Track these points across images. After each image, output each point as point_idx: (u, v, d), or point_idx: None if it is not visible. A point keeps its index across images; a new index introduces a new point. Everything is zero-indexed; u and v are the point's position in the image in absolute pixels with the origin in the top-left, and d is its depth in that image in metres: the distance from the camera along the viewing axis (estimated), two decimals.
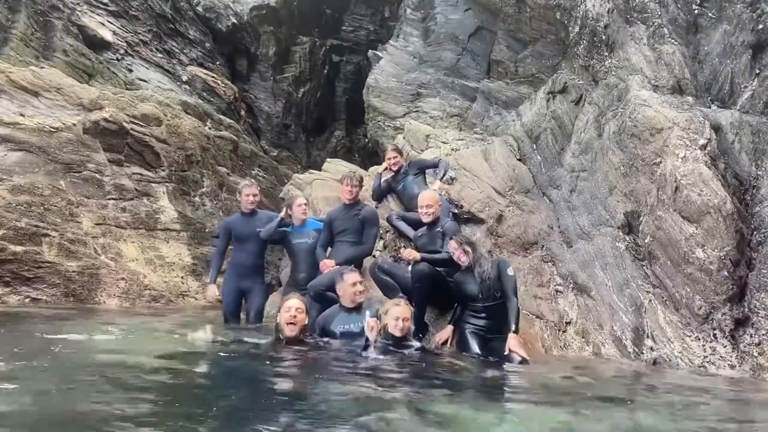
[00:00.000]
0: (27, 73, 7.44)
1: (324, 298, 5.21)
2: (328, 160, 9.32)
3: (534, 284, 6.44)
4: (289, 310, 4.19)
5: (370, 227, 5.81)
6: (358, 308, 4.64)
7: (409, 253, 5.19)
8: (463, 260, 4.84)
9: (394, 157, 6.99)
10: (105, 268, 6.61)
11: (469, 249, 4.84)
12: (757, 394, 4.24)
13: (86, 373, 2.93)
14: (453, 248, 4.87)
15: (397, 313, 4.21)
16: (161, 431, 2.03)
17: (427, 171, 7.22)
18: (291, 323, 4.10)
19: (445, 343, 4.93)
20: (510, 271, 4.78)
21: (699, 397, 3.74)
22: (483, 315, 4.78)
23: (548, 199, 7.30)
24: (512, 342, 4.45)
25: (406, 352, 4.15)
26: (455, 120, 9.93)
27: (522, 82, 9.61)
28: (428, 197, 5.57)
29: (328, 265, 5.38)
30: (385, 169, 7.11)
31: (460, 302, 4.99)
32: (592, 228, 6.51)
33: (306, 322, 4.27)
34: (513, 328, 4.52)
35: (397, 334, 4.19)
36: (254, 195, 5.98)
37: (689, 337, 5.20)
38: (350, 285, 4.60)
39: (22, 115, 6.99)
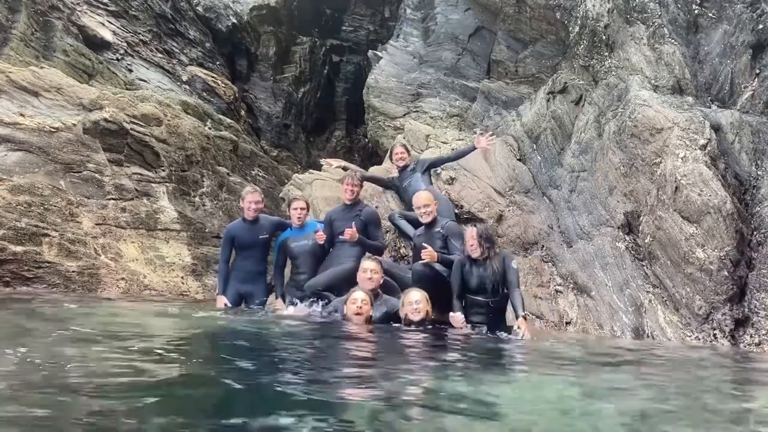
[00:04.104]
0: (27, 73, 7.43)
1: (322, 298, 5.22)
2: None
3: (534, 284, 6.45)
4: (355, 301, 4.43)
5: (376, 228, 5.81)
6: (373, 297, 4.75)
7: (428, 253, 5.05)
8: (474, 252, 4.80)
9: (401, 152, 6.77)
10: (105, 268, 6.60)
11: (485, 244, 4.80)
12: (755, 363, 4.31)
13: None
14: (470, 236, 4.81)
15: (413, 298, 4.47)
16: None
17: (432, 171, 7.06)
18: (358, 314, 4.38)
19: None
20: (514, 265, 4.90)
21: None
22: (484, 311, 4.80)
23: (548, 199, 7.29)
24: (522, 325, 4.59)
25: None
26: (455, 120, 9.93)
27: (522, 82, 9.61)
28: (424, 197, 5.53)
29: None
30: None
31: (463, 295, 4.96)
32: (592, 228, 6.51)
33: (371, 313, 4.51)
34: (522, 313, 4.65)
35: (416, 317, 4.39)
36: (257, 202, 5.83)
37: (689, 337, 5.19)
38: (362, 270, 4.81)
39: (22, 115, 6.97)
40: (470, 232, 4.88)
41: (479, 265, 4.83)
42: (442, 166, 7.29)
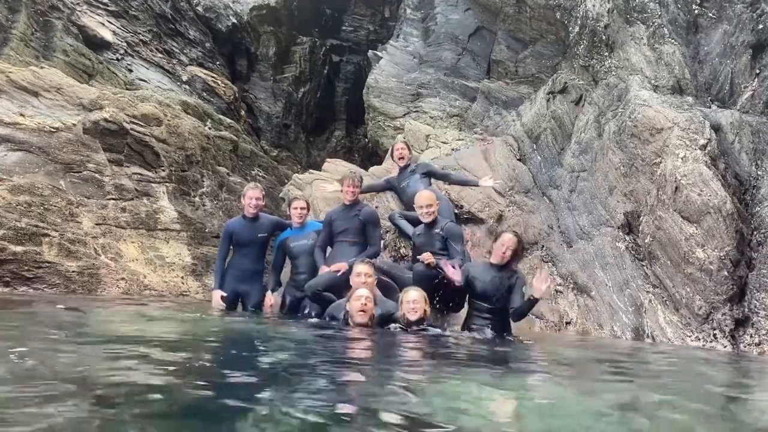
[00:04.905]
0: (27, 73, 7.43)
1: (321, 298, 5.21)
2: (328, 160, 9.32)
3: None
4: (359, 298, 4.40)
5: (374, 228, 5.76)
6: None
7: (428, 257, 4.96)
8: (496, 259, 4.65)
9: (402, 149, 6.63)
10: (105, 268, 6.60)
11: (515, 257, 4.64)
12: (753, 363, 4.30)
13: None
14: (507, 246, 4.59)
15: (410, 297, 4.44)
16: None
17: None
18: (362, 311, 4.35)
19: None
20: (524, 289, 4.78)
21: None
22: (488, 316, 4.71)
23: (548, 199, 7.30)
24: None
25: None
26: (455, 120, 9.93)
27: (522, 82, 9.62)
28: (427, 197, 5.46)
29: (329, 269, 5.39)
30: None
31: (467, 297, 4.91)
32: (592, 228, 6.51)
33: (374, 311, 4.48)
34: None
35: (413, 317, 4.36)
36: (258, 199, 5.78)
37: (689, 337, 5.19)
38: (355, 275, 4.76)
39: (22, 115, 6.98)
40: (509, 239, 4.64)
41: (493, 269, 4.70)
42: (442, 167, 7.21)
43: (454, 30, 10.72)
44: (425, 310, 4.48)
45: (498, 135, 8.75)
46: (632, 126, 6.29)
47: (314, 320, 5.07)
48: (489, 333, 4.64)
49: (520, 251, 4.77)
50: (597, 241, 6.33)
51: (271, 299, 5.84)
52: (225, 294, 5.71)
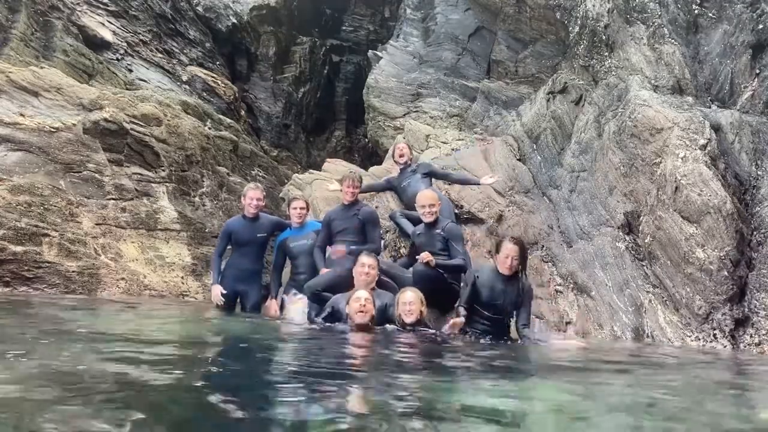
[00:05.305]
0: (27, 73, 7.43)
1: (321, 298, 5.21)
2: (328, 160, 9.31)
3: (534, 284, 6.44)
4: (358, 300, 4.41)
5: (373, 227, 5.76)
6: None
7: (426, 256, 4.90)
8: (503, 268, 4.55)
9: (404, 148, 6.63)
10: (105, 268, 6.60)
11: (518, 264, 4.56)
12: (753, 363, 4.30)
13: None
14: (511, 256, 4.49)
15: (406, 299, 4.45)
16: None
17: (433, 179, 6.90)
18: (361, 312, 4.35)
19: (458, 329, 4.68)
20: (533, 303, 4.78)
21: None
22: (488, 323, 4.64)
23: (548, 199, 7.30)
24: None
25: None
26: (455, 120, 9.94)
27: (522, 82, 9.62)
28: (430, 196, 5.43)
29: (336, 255, 5.40)
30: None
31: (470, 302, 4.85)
32: (592, 228, 6.51)
33: (374, 312, 4.46)
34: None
35: (409, 319, 4.36)
36: (258, 199, 5.79)
37: (689, 337, 5.19)
38: (359, 265, 4.80)
39: (22, 115, 6.97)
40: (511, 249, 4.51)
41: (501, 279, 4.60)
42: (442, 167, 7.19)
43: (454, 30, 10.72)
44: (421, 311, 4.46)
45: (498, 135, 8.75)
46: (632, 126, 6.29)
47: (316, 324, 5.06)
48: (472, 338, 4.58)
49: (524, 257, 4.64)
50: (597, 241, 6.33)
51: (276, 307, 5.81)
52: (224, 291, 5.71)
